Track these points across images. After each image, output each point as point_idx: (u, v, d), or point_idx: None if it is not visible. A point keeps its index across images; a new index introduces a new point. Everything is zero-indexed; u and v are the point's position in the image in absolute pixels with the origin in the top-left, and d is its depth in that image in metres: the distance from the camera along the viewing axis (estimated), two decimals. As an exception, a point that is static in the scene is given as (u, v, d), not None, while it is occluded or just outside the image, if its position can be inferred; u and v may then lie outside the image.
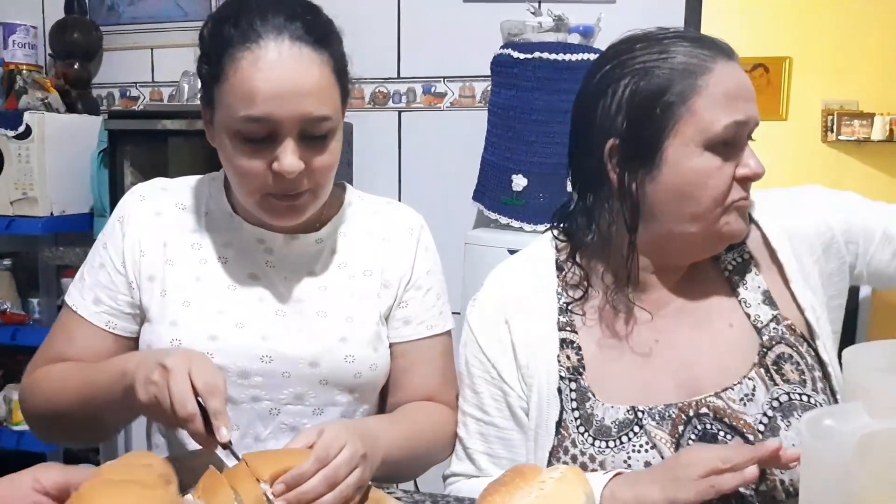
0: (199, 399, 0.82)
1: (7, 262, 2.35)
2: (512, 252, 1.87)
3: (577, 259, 1.02)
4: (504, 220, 1.93)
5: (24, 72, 2.31)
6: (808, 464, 0.61)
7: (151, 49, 2.52)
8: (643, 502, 0.82)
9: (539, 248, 1.09)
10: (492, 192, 1.96)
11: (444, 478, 1.08)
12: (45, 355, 1.06)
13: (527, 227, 1.90)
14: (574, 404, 0.96)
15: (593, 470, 0.91)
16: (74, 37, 2.44)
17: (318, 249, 1.10)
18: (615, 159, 0.94)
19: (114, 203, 2.17)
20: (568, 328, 1.01)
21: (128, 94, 2.57)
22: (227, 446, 0.82)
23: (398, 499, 0.91)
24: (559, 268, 1.04)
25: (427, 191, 2.29)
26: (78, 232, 2.28)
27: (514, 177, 1.89)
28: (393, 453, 0.95)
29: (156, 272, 1.04)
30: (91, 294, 1.05)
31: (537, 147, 1.87)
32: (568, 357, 0.99)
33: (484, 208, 1.98)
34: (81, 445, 1.08)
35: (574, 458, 0.94)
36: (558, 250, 1.06)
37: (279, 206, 0.98)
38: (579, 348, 0.99)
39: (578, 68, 1.87)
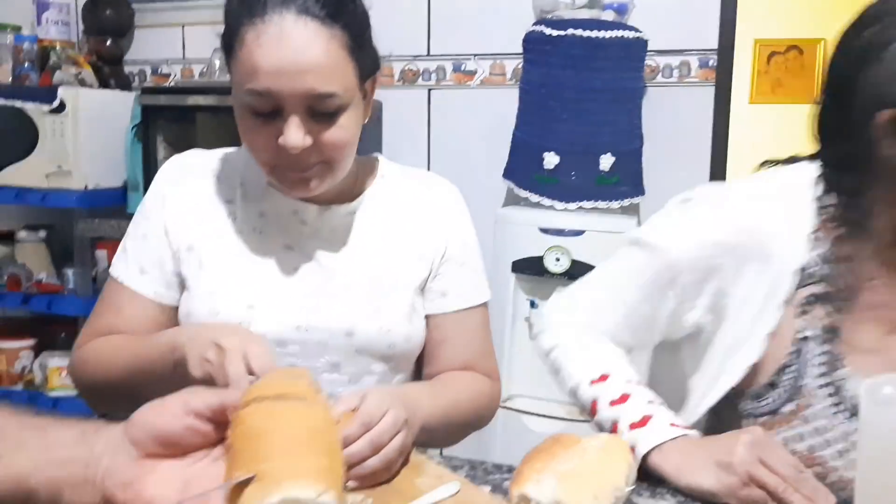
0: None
1: (42, 233, 2.40)
2: (543, 230, 1.87)
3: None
4: (535, 197, 1.93)
5: (58, 48, 2.34)
6: (867, 430, 0.61)
7: (183, 26, 2.54)
8: (689, 481, 0.82)
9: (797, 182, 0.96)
10: (523, 170, 1.95)
11: (547, 351, 1.07)
12: (93, 327, 1.07)
13: (558, 205, 1.90)
14: (823, 369, 0.90)
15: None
16: (107, 13, 2.47)
17: (352, 221, 1.10)
18: (891, 134, 0.82)
19: (147, 177, 2.21)
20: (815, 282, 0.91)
21: (159, 70, 2.59)
22: None
23: (437, 464, 0.92)
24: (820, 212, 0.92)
25: (456, 169, 2.28)
26: (111, 206, 2.31)
27: (545, 154, 1.88)
28: (432, 420, 0.95)
29: (194, 242, 1.05)
30: (136, 265, 1.06)
31: (570, 125, 1.87)
32: (815, 315, 0.91)
33: (514, 186, 1.98)
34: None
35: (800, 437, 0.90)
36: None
37: (290, 178, 0.98)
38: (838, 310, 0.91)
39: (612, 46, 1.86)
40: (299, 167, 0.96)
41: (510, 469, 0.93)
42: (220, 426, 0.64)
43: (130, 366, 0.97)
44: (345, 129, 0.96)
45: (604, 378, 0.98)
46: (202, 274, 1.04)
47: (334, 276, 1.07)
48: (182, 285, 1.07)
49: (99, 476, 0.62)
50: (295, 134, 0.92)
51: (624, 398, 0.94)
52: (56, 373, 2.39)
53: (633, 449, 0.86)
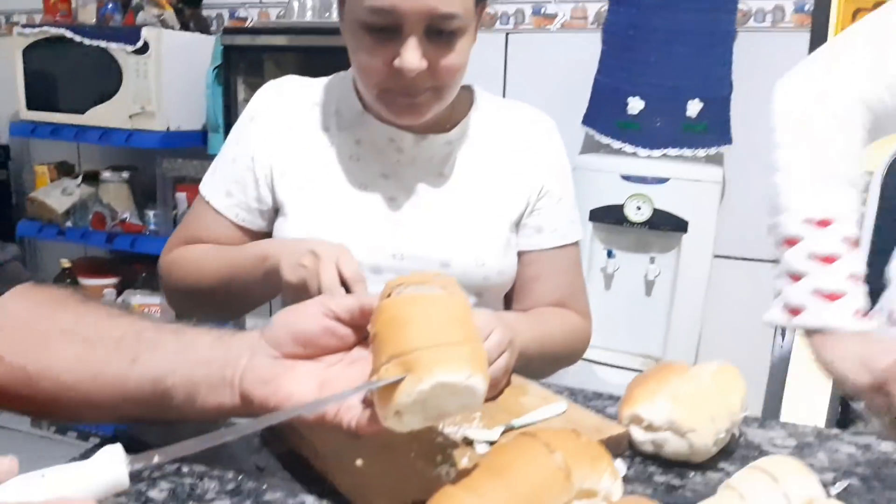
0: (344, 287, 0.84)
1: (125, 174, 2.46)
2: (625, 178, 1.83)
3: None
4: (617, 144, 1.88)
5: (141, -11, 2.37)
6: None
7: (259, -31, 2.55)
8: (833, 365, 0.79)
9: None
10: (604, 116, 1.91)
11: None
12: (181, 236, 1.11)
13: (641, 152, 1.85)
14: None
15: None
16: (186, -45, 2.48)
17: (448, 151, 1.09)
18: None
19: (227, 119, 2.24)
20: None
21: (236, 14, 2.60)
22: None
23: (540, 386, 0.91)
24: None
25: (533, 116, 2.25)
26: (192, 147, 2.35)
27: (629, 99, 1.83)
28: (528, 349, 0.95)
29: (287, 168, 1.06)
30: (223, 187, 1.08)
31: (657, 68, 1.81)
32: None
33: (595, 132, 1.94)
34: (217, 321, 1.13)
35: None
36: None
37: (399, 103, 0.96)
38: None
39: (706, -15, 1.78)
40: (411, 91, 0.94)
41: (611, 397, 0.93)
42: (356, 330, 0.65)
43: (221, 273, 1.00)
44: (459, 55, 0.94)
45: (824, 223, 0.91)
46: (298, 200, 1.05)
47: (431, 206, 1.06)
48: (269, 213, 1.08)
49: (237, 376, 0.63)
50: (412, 56, 0.90)
51: (830, 259, 0.88)
52: (138, 310, 2.48)
53: (797, 311, 0.82)
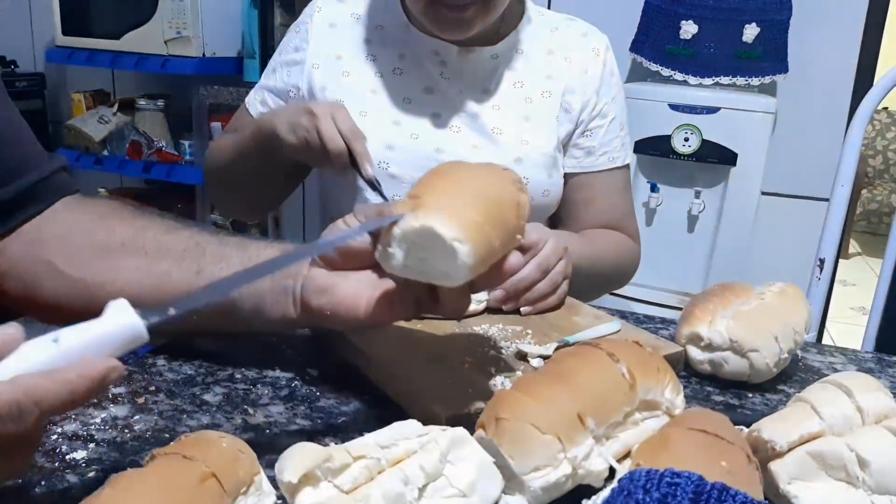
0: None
1: (160, 102, 2.45)
2: (674, 107, 1.77)
3: None
4: (666, 71, 1.80)
5: None
6: None
7: None
8: None
9: None
10: (654, 41, 1.82)
11: None
12: (221, 139, 1.12)
13: (692, 79, 1.78)
14: None
15: None
16: None
17: (494, 65, 1.05)
18: None
19: (263, 44, 2.20)
20: None
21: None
22: (371, 182, 0.90)
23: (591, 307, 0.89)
24: None
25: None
26: (228, 74, 2.32)
27: (682, 23, 1.75)
28: (580, 266, 0.92)
29: (328, 82, 1.05)
30: (260, 95, 1.10)
31: (713, -12, 1.71)
32: None
33: (643, 59, 1.86)
34: (253, 218, 1.21)
35: None
36: None
37: (446, 16, 0.94)
38: None
39: None
40: (459, 3, 0.92)
41: (663, 320, 0.90)
42: None
43: (230, 152, 1.02)
44: None
45: None
46: None
47: (476, 120, 1.03)
48: None
49: (298, 285, 0.62)
50: None
51: None
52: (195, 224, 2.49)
53: None
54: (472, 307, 0.80)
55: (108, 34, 2.31)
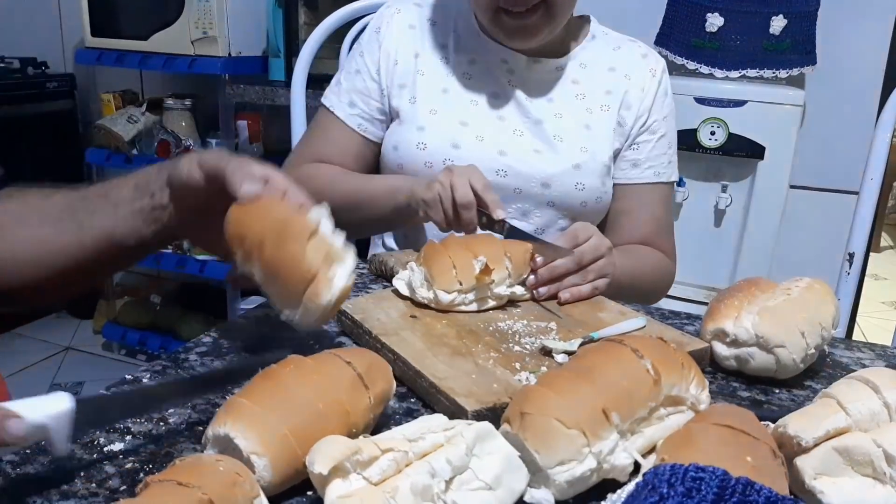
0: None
1: (187, 101, 2.48)
2: (699, 101, 1.75)
3: None
4: (692, 65, 1.79)
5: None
6: None
7: None
8: None
9: None
10: (679, 34, 1.81)
11: None
12: (303, 152, 1.15)
13: (718, 73, 1.76)
14: None
15: None
16: None
17: (558, 77, 1.11)
18: None
19: (288, 43, 2.22)
20: None
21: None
22: (502, 228, 0.89)
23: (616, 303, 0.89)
24: None
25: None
26: (253, 74, 2.34)
27: (708, 15, 1.73)
28: (620, 279, 0.94)
29: (406, 80, 1.10)
30: (346, 97, 1.13)
31: (739, -20, 1.69)
32: None
33: (669, 53, 1.84)
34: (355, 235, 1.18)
35: None
36: None
37: (511, 24, 1.00)
38: None
39: None
40: (521, 8, 0.98)
41: (688, 315, 0.90)
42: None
43: (349, 198, 1.04)
44: None
45: None
46: (414, 109, 1.09)
47: (539, 126, 1.08)
48: (387, 122, 1.14)
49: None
50: None
51: None
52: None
53: None
54: (521, 294, 0.84)
55: (136, 35, 2.35)
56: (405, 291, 0.81)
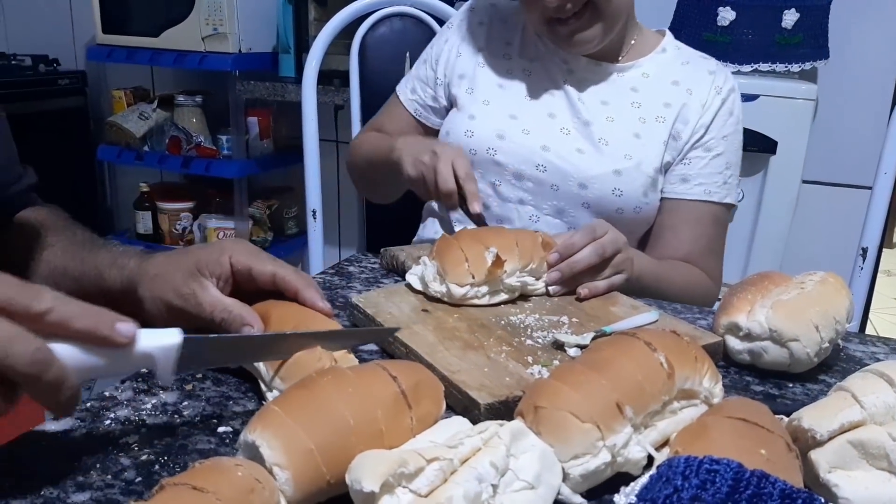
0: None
1: (198, 98, 2.49)
2: (709, 94, 1.74)
3: None
4: (703, 59, 1.78)
5: None
6: None
7: None
8: None
9: None
10: (690, 28, 1.80)
11: None
12: (371, 124, 1.26)
13: (731, 66, 1.75)
14: None
15: None
16: None
17: (617, 81, 1.11)
18: None
19: (298, 39, 2.22)
20: None
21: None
22: (478, 219, 0.93)
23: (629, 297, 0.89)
24: None
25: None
26: (263, 70, 2.35)
27: (720, 9, 1.72)
28: (643, 276, 0.93)
29: (467, 71, 1.16)
30: (410, 83, 1.22)
31: (751, -26, 1.68)
32: None
33: (680, 47, 1.83)
34: (382, 200, 1.28)
35: None
36: None
37: (563, 31, 1.03)
38: None
39: None
40: (563, 12, 1.00)
41: (701, 310, 0.90)
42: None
43: (367, 157, 1.15)
44: None
45: None
46: (469, 99, 1.13)
47: (587, 127, 1.09)
48: (444, 110, 1.19)
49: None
50: None
51: None
52: (213, 233, 2.54)
53: None
54: (532, 287, 0.84)
55: (146, 32, 2.36)
56: (418, 286, 0.81)
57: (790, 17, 1.70)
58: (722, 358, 0.75)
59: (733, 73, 1.76)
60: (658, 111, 1.09)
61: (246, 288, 0.68)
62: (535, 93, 1.12)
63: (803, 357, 0.69)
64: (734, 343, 0.73)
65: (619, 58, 1.12)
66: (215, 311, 0.64)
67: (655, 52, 1.13)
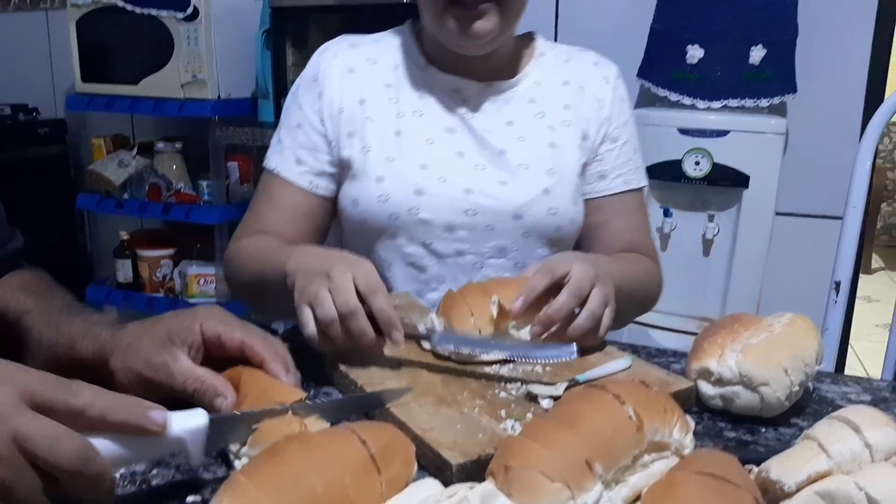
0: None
1: (178, 144, 2.50)
2: (683, 132, 1.77)
3: None
4: (674, 96, 1.82)
5: (188, -44, 2.37)
6: None
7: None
8: None
9: None
10: (661, 67, 1.84)
11: None
12: (248, 224, 1.06)
13: (700, 103, 1.79)
14: None
15: None
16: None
17: (513, 98, 1.07)
18: None
19: (277, 84, 2.24)
20: None
21: (281, -21, 2.58)
22: (416, 339, 0.79)
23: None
24: None
25: (584, 72, 2.18)
26: (242, 115, 2.37)
27: (688, 47, 1.76)
28: (621, 285, 0.89)
29: (355, 128, 1.04)
30: (292, 155, 1.05)
31: (718, 12, 1.73)
32: None
33: (651, 85, 1.87)
34: (273, 316, 1.13)
35: None
36: None
37: (464, 16, 0.96)
38: None
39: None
40: (476, 2, 0.95)
41: (675, 353, 0.90)
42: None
43: (255, 277, 0.95)
44: None
45: None
46: (367, 159, 1.03)
47: (502, 156, 1.04)
48: (338, 175, 1.06)
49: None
50: None
51: None
52: (194, 280, 2.53)
53: None
54: (499, 355, 0.78)
55: (126, 80, 2.38)
56: (427, 346, 0.80)
57: (757, 54, 1.74)
58: (695, 403, 0.75)
59: (703, 109, 1.81)
60: (562, 116, 1.07)
61: (217, 355, 0.67)
62: (435, 133, 1.04)
63: (774, 401, 0.70)
64: (706, 388, 0.74)
65: (509, 73, 1.08)
66: (188, 382, 0.63)
67: (536, 57, 1.10)
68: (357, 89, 1.06)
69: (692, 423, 0.63)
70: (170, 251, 2.62)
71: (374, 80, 1.07)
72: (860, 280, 1.96)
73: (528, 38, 1.12)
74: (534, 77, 1.09)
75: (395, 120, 1.04)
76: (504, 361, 0.78)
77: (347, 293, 0.73)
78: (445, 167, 1.03)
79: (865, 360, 3.11)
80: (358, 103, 1.05)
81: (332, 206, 1.08)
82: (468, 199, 1.02)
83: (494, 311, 0.78)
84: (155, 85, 2.33)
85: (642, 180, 1.12)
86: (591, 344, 0.81)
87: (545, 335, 0.79)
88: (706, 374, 0.74)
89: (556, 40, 2.19)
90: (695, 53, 1.76)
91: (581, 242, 1.11)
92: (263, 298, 0.99)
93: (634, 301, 1.01)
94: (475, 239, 1.03)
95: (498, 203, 1.02)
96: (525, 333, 0.80)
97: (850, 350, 2.10)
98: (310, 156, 1.05)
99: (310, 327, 0.75)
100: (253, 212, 1.07)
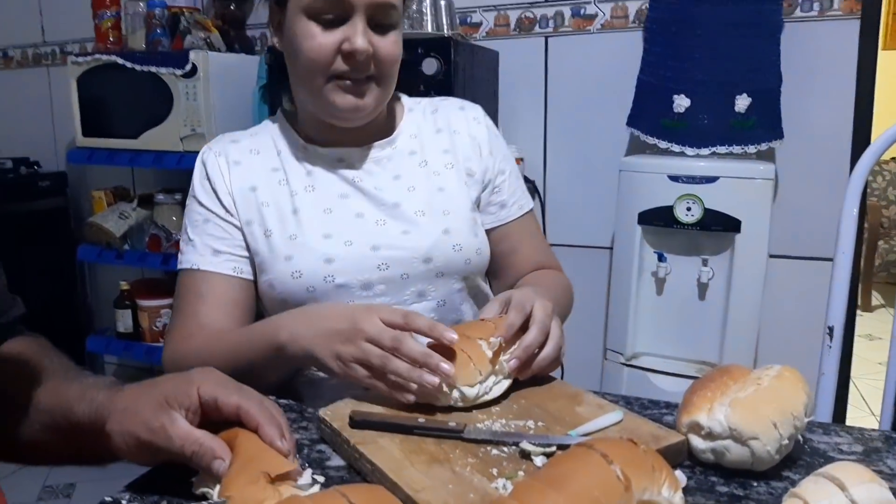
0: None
1: (178, 196, 2.53)
2: (673, 178, 1.80)
3: None
4: (664, 144, 1.85)
5: (186, 13, 2.43)
6: None
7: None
8: None
9: None
10: (649, 116, 1.88)
11: None
12: (180, 327, 1.03)
13: (689, 150, 1.82)
14: None
15: None
16: (229, -21, 2.54)
17: (394, 154, 1.14)
18: None
19: (273, 137, 2.27)
20: None
21: (279, 34, 2.64)
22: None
23: (595, 395, 0.90)
24: None
25: (575, 119, 2.23)
26: (240, 166, 2.39)
27: (675, 97, 1.80)
28: (556, 309, 0.95)
29: (252, 217, 1.07)
30: (207, 249, 1.05)
31: (702, 64, 1.77)
32: None
33: (640, 133, 1.91)
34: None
35: None
36: None
37: (346, 87, 1.02)
38: None
39: (749, -23, 1.74)
40: (359, 72, 1.01)
41: (667, 405, 0.91)
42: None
43: (229, 369, 0.83)
44: (396, 46, 1.04)
45: None
46: (272, 243, 1.05)
47: (398, 208, 1.09)
48: (251, 261, 1.07)
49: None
50: (362, 38, 0.99)
51: None
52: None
53: None
54: (497, 392, 0.84)
55: (126, 134, 2.42)
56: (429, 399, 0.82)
57: (743, 102, 1.78)
58: (687, 457, 0.75)
59: (692, 156, 1.84)
60: (443, 160, 1.14)
61: (213, 417, 0.68)
62: (331, 202, 1.08)
63: (764, 455, 0.70)
64: (697, 442, 0.74)
65: (387, 132, 1.14)
66: (185, 445, 0.64)
67: (406, 113, 1.18)
68: (246, 179, 1.08)
69: (682, 480, 0.64)
70: (170, 300, 2.62)
71: (261, 168, 1.10)
72: (861, 318, 1.96)
73: (395, 98, 1.19)
74: (408, 131, 1.16)
75: (289, 199, 1.08)
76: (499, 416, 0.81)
77: (385, 332, 0.81)
78: (348, 230, 1.06)
79: (869, 398, 3.10)
80: (250, 191, 1.08)
81: (256, 289, 1.08)
82: (377, 255, 1.05)
83: (489, 353, 0.83)
84: (154, 139, 2.37)
85: (530, 202, 1.23)
86: (553, 370, 0.89)
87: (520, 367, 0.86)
88: (696, 427, 0.74)
89: (546, 93, 2.28)
90: (681, 103, 1.80)
91: (495, 270, 1.19)
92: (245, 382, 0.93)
93: (563, 317, 1.11)
94: (393, 290, 1.07)
95: (406, 252, 1.06)
96: (507, 360, 0.85)
97: (853, 389, 2.10)
98: (225, 245, 1.06)
99: (373, 382, 0.82)
100: (182, 313, 1.04)
